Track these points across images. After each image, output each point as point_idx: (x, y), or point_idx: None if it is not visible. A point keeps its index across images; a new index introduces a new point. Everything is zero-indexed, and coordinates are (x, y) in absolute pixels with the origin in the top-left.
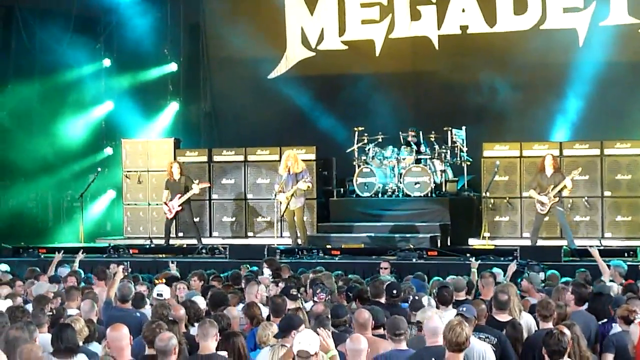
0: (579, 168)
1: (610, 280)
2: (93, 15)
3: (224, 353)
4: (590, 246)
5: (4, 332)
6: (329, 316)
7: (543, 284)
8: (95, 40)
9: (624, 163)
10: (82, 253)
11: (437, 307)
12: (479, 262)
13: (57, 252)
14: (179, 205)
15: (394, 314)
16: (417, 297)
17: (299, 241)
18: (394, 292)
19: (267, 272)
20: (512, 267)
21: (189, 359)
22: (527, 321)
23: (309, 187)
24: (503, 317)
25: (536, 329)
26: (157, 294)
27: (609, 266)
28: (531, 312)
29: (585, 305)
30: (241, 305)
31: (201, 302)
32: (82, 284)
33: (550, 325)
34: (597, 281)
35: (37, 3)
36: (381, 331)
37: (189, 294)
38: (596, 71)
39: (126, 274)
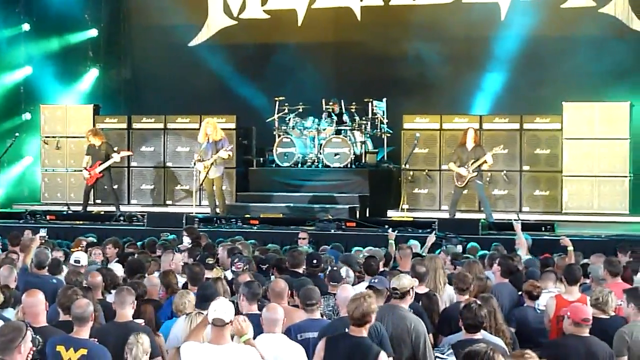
0: (501, 145)
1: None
2: None
3: (139, 321)
4: (515, 219)
5: None
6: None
7: (463, 256)
8: (15, 4)
9: (543, 137)
10: None
11: (363, 278)
12: (396, 233)
13: None
14: (99, 172)
15: (314, 285)
16: (335, 268)
17: (218, 210)
18: (314, 262)
19: (186, 240)
20: (431, 238)
21: (105, 326)
22: (450, 294)
23: (229, 155)
24: (420, 289)
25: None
26: (75, 261)
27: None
28: (449, 284)
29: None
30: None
31: (118, 270)
32: None
33: (466, 297)
34: (513, 254)
35: None
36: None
37: None
38: (517, 45)
39: (43, 241)
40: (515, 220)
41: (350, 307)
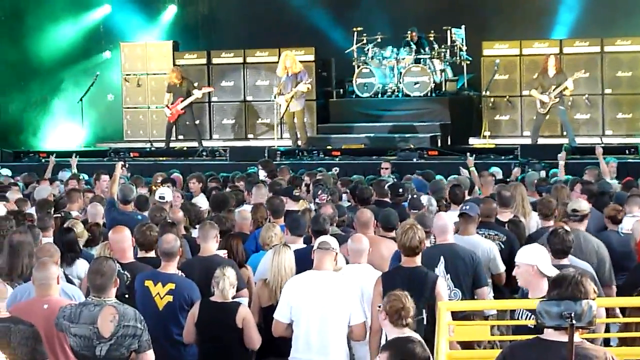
0: (583, 70)
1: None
2: None
3: (222, 252)
4: (597, 144)
5: (8, 236)
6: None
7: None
8: None
9: (624, 60)
10: (76, 157)
11: (447, 206)
12: (477, 160)
13: (50, 156)
14: (181, 109)
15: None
16: (415, 196)
17: (299, 142)
18: (400, 191)
19: (262, 173)
20: (517, 172)
21: (190, 260)
22: (536, 220)
23: (308, 88)
24: (505, 216)
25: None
26: (159, 197)
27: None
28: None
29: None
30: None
31: (203, 203)
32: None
33: (551, 223)
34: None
35: None
36: (392, 234)
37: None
38: None
39: (124, 171)
40: (597, 144)
41: (402, 238)
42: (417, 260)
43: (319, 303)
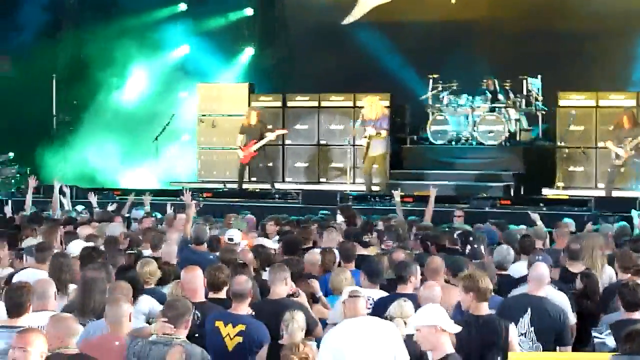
0: None
1: None
2: None
3: (301, 297)
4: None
5: (82, 273)
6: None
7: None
8: None
9: None
10: (150, 195)
11: (518, 255)
12: (549, 211)
13: (130, 194)
14: (254, 151)
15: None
16: (475, 246)
17: (376, 188)
18: (470, 239)
19: (340, 218)
20: (589, 227)
21: (259, 303)
22: (609, 274)
23: (378, 134)
24: (576, 268)
25: (615, 280)
26: (229, 238)
27: None
28: (609, 262)
29: None
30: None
31: (273, 246)
32: (159, 226)
33: (629, 275)
34: None
35: None
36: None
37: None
38: None
39: (198, 209)
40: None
41: (478, 283)
42: (486, 308)
43: (362, 348)
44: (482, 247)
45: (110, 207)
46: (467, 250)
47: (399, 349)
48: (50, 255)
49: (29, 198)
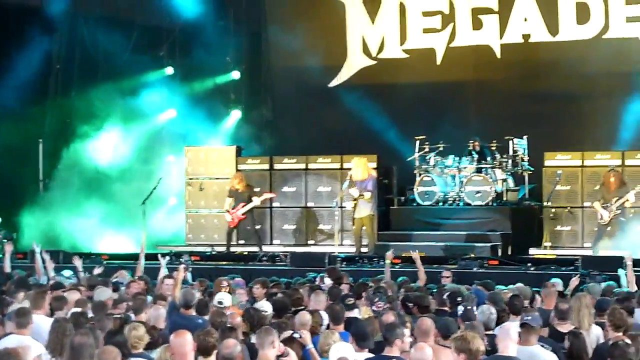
0: None
1: None
2: (156, 25)
3: (290, 357)
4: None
5: (69, 338)
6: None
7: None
8: (158, 49)
9: None
10: (164, 257)
11: (507, 317)
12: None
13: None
14: (242, 215)
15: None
16: (468, 307)
17: (366, 249)
18: (458, 299)
19: (327, 281)
20: (575, 281)
21: None
22: (597, 333)
23: (362, 196)
24: (565, 327)
25: (602, 340)
26: (218, 302)
27: None
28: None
29: None
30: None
31: (268, 309)
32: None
33: (620, 334)
34: None
35: (100, 13)
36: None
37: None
38: None
39: (186, 273)
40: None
41: (470, 344)
42: None
43: None
44: (473, 308)
45: (97, 271)
46: (459, 311)
47: None
48: (29, 320)
49: (7, 263)
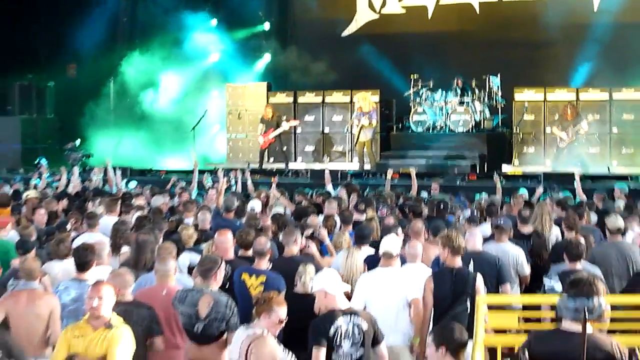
0: (596, 114)
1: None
2: None
3: (311, 247)
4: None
5: (135, 235)
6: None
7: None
8: (204, 5)
9: (628, 105)
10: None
11: (485, 218)
12: (505, 183)
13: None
14: (272, 138)
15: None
16: (475, 213)
17: (368, 166)
18: (442, 207)
19: (343, 192)
20: (539, 190)
21: (275, 260)
22: (556, 233)
23: (370, 124)
24: (526, 229)
25: (561, 238)
26: (251, 209)
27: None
28: (556, 223)
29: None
30: (321, 217)
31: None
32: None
33: (573, 234)
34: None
35: None
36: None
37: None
38: (607, 30)
39: (228, 184)
40: (575, 172)
41: (453, 242)
42: (459, 261)
43: (386, 288)
44: (461, 213)
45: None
46: (449, 217)
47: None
48: (97, 221)
49: (116, 176)
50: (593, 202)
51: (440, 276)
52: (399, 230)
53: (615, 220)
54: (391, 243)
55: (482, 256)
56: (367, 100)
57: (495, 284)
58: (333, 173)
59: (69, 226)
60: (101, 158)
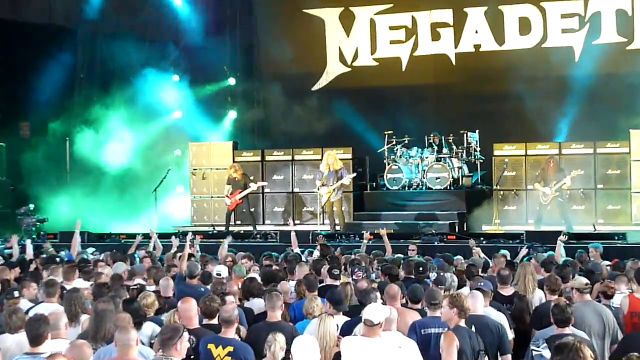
0: (579, 169)
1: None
2: (164, 39)
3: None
4: (562, 233)
5: (94, 305)
6: (375, 288)
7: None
8: (166, 59)
9: (613, 160)
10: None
11: (465, 283)
12: (486, 243)
13: (136, 236)
14: (239, 199)
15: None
16: (441, 273)
17: (337, 227)
18: (421, 269)
19: (316, 253)
20: (524, 251)
21: (257, 326)
22: (540, 296)
23: (350, 181)
24: (506, 291)
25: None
26: (217, 273)
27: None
28: (539, 286)
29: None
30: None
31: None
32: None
33: (556, 297)
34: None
35: (117, 30)
36: (418, 306)
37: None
38: (590, 82)
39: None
40: (560, 236)
41: (458, 301)
42: (463, 324)
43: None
44: (445, 275)
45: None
46: (432, 277)
47: None
48: (57, 289)
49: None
50: (576, 263)
51: (456, 332)
52: (377, 294)
53: (581, 279)
54: (373, 311)
55: (484, 321)
56: (335, 158)
57: (495, 353)
58: (304, 234)
59: (20, 293)
60: (56, 222)
